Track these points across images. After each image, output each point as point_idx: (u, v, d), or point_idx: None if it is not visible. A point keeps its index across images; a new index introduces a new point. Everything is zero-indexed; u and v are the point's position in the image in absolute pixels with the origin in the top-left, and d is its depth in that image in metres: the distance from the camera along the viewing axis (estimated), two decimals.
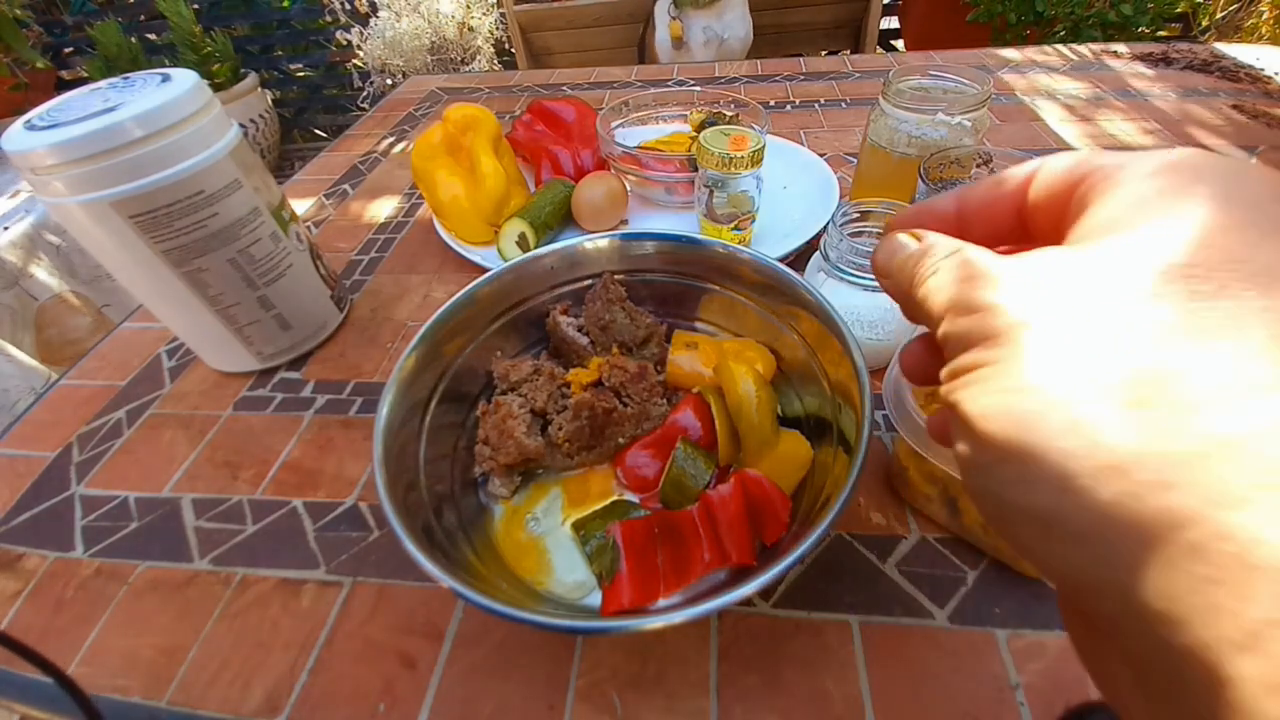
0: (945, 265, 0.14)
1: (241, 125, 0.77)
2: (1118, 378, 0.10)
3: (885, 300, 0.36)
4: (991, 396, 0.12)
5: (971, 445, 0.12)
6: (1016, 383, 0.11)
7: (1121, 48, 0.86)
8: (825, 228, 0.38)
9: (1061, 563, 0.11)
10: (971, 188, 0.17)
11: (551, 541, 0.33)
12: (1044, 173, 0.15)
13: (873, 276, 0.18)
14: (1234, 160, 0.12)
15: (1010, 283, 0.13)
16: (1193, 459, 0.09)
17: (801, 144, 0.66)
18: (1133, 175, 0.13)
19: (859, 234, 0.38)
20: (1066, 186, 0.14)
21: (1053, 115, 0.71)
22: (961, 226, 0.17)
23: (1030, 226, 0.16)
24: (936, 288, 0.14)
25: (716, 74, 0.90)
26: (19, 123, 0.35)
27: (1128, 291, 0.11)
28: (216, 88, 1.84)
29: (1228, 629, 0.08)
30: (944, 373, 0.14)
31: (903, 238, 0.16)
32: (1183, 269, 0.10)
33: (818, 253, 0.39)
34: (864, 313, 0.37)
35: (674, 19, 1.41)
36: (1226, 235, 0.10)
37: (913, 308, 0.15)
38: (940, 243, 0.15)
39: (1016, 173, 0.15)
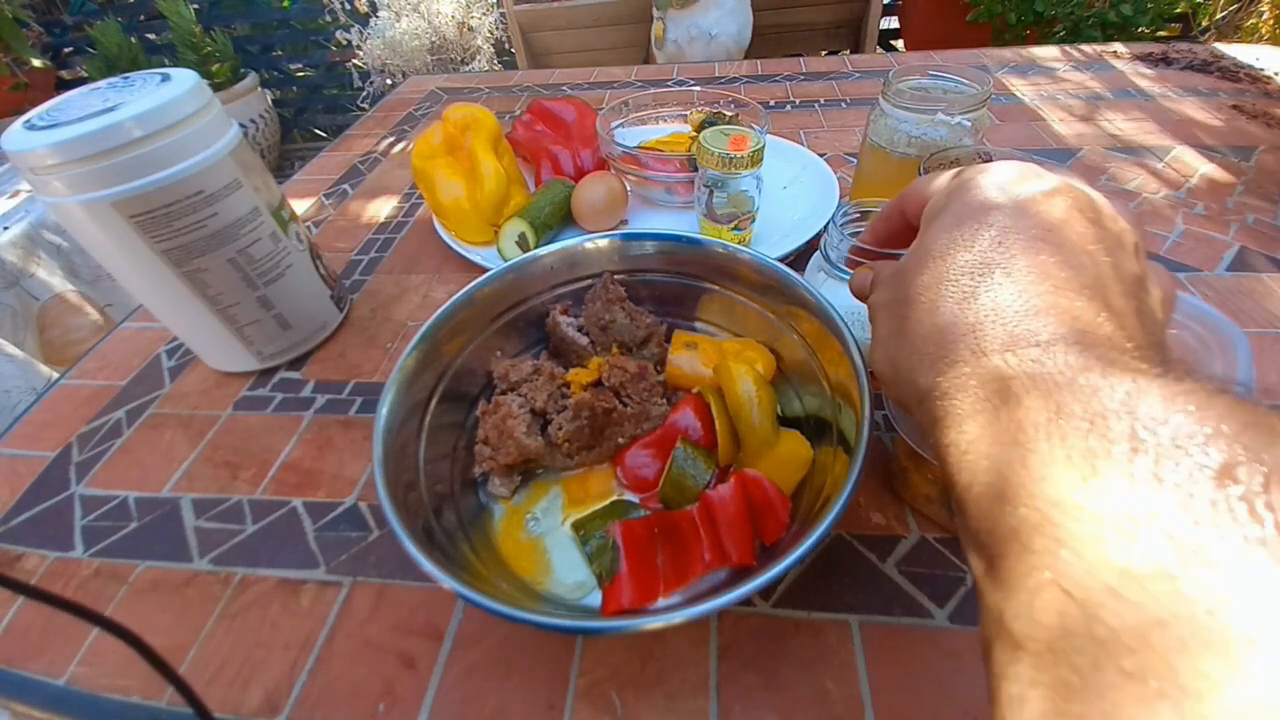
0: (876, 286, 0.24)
1: (241, 125, 0.77)
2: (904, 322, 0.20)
3: None
4: (874, 350, 0.22)
5: (875, 364, 0.22)
6: (878, 335, 0.22)
7: (1121, 48, 0.86)
8: (825, 228, 0.38)
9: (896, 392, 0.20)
10: (874, 221, 0.29)
11: (551, 541, 0.33)
12: (908, 203, 0.25)
13: None
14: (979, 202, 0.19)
15: (879, 285, 0.23)
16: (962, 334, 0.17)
17: (801, 144, 0.66)
18: (929, 216, 0.21)
19: (859, 234, 0.38)
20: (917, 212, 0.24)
21: (1053, 115, 0.71)
22: (876, 238, 0.29)
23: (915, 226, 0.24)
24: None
25: (716, 74, 0.90)
26: (19, 123, 0.35)
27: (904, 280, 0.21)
28: (216, 88, 1.84)
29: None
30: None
31: (863, 275, 0.26)
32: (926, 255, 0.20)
33: (818, 253, 0.39)
34: (864, 313, 0.37)
35: (657, 19, 1.41)
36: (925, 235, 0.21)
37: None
38: (873, 275, 0.25)
39: (910, 197, 0.25)
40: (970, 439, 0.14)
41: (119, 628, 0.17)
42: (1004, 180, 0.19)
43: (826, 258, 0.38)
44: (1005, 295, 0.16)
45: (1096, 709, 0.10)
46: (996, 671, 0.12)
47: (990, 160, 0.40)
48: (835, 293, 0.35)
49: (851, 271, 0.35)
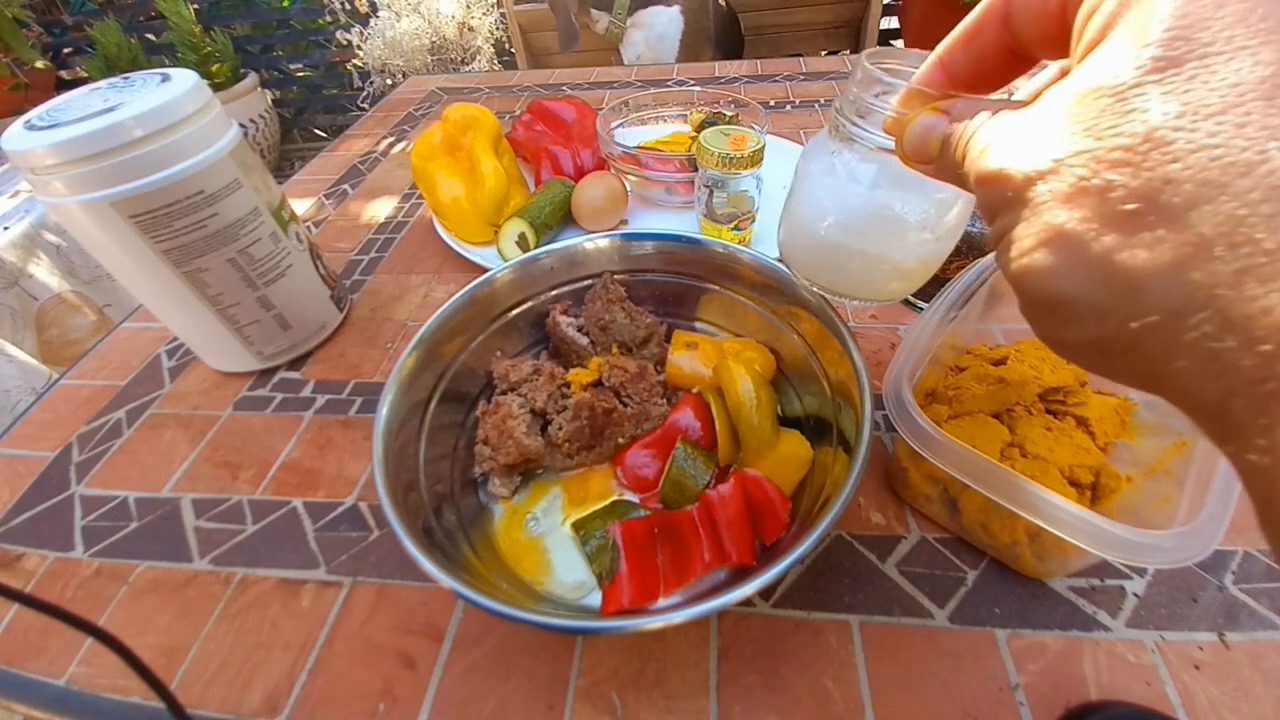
0: (970, 143, 0.15)
1: (241, 125, 0.77)
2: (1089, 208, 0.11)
3: (933, 189, 0.25)
4: (1020, 260, 0.13)
5: (1021, 299, 0.14)
6: (1034, 234, 0.12)
7: None
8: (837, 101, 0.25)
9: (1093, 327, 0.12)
10: (947, 44, 0.17)
11: (551, 541, 0.33)
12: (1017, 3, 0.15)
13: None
14: None
15: (1007, 144, 0.14)
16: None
17: (801, 144, 0.66)
18: None
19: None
20: (1043, 12, 0.14)
21: None
22: (950, 79, 0.18)
23: (1026, 48, 0.16)
24: (970, 164, 0.15)
25: (716, 74, 0.90)
26: (19, 123, 0.35)
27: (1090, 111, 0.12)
28: (216, 88, 1.84)
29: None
30: (989, 244, 0.15)
31: (930, 120, 0.17)
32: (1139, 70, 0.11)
33: (822, 131, 0.27)
34: (911, 210, 0.25)
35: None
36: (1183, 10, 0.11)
37: (964, 184, 0.16)
38: (962, 125, 0.16)
39: (988, 12, 0.16)
40: None
41: (109, 637, 0.17)
42: None
43: (846, 116, 0.24)
44: None
45: None
46: None
47: None
48: (848, 179, 0.25)
49: (889, 136, 0.21)
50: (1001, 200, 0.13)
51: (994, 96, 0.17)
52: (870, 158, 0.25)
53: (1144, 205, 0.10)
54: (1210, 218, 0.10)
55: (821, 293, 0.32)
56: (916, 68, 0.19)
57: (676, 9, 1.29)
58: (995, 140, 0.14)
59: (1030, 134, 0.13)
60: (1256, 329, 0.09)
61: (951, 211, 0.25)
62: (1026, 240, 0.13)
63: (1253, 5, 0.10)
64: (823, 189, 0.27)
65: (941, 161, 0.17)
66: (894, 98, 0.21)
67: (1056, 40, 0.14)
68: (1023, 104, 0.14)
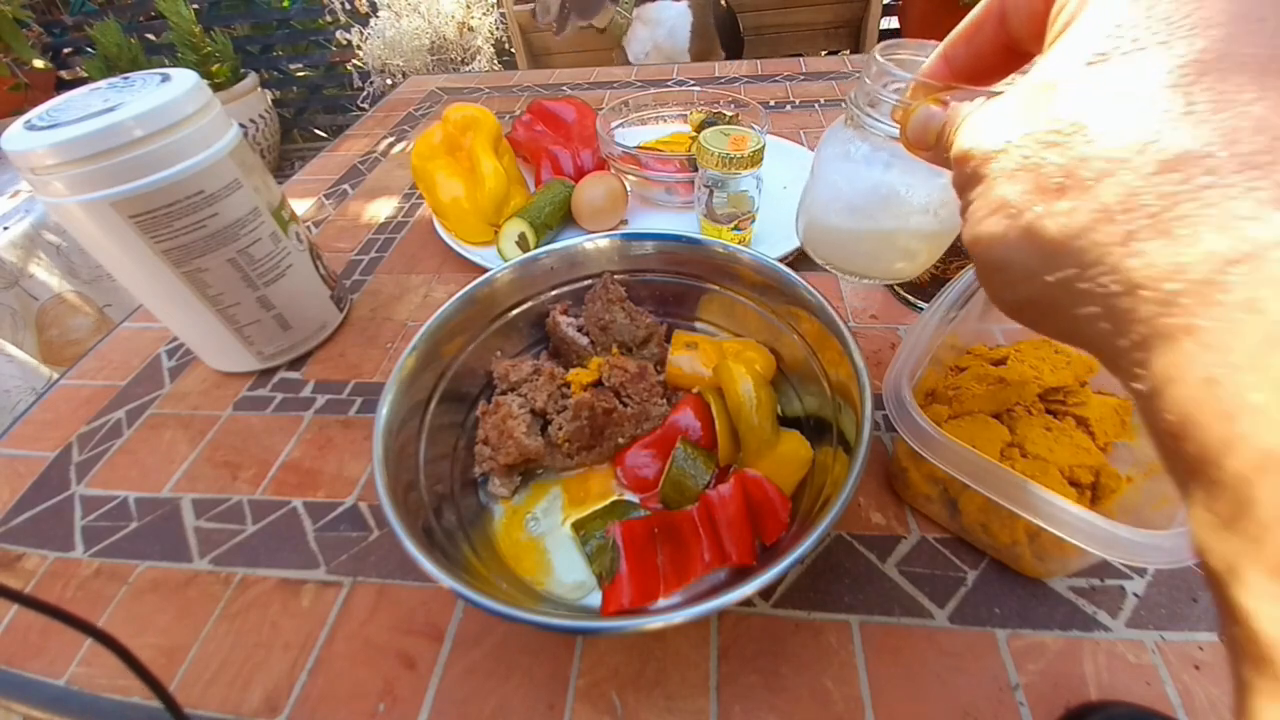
0: (954, 130, 0.17)
1: (241, 125, 0.77)
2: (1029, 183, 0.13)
3: (942, 176, 0.24)
4: (974, 229, 0.15)
5: (975, 265, 0.16)
6: (985, 205, 0.14)
7: None
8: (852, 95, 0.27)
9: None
10: (951, 40, 0.19)
11: (551, 541, 0.33)
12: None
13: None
14: None
15: (975, 128, 0.15)
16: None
17: (801, 144, 0.66)
18: None
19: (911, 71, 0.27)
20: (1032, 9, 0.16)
21: None
22: (953, 72, 0.19)
23: (1020, 44, 0.17)
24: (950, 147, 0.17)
25: (716, 74, 0.90)
26: (19, 123, 0.35)
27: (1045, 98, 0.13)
28: (216, 88, 1.84)
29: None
30: (961, 217, 0.16)
31: (930, 109, 0.18)
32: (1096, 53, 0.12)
33: (837, 121, 0.29)
34: (917, 194, 0.27)
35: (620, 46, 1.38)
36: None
37: (948, 165, 0.18)
38: (956, 111, 0.17)
39: (987, 10, 0.17)
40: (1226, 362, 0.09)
41: (109, 639, 0.17)
42: None
43: (859, 106, 0.26)
44: None
45: None
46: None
47: None
48: (861, 164, 0.27)
49: (896, 124, 0.23)
50: (966, 177, 0.15)
51: (996, 88, 0.18)
52: (880, 145, 0.26)
53: (1067, 180, 0.12)
54: (1112, 188, 0.11)
55: (836, 271, 0.33)
56: (926, 58, 0.20)
57: (684, 3, 1.29)
58: (968, 125, 0.16)
59: (992, 119, 0.15)
60: (1135, 277, 0.11)
61: (952, 193, 0.26)
62: (979, 211, 0.15)
63: (1178, 5, 0.11)
64: (837, 173, 0.29)
65: (937, 147, 0.18)
66: (902, 89, 0.22)
67: (1043, 38, 0.15)
68: (999, 94, 0.16)
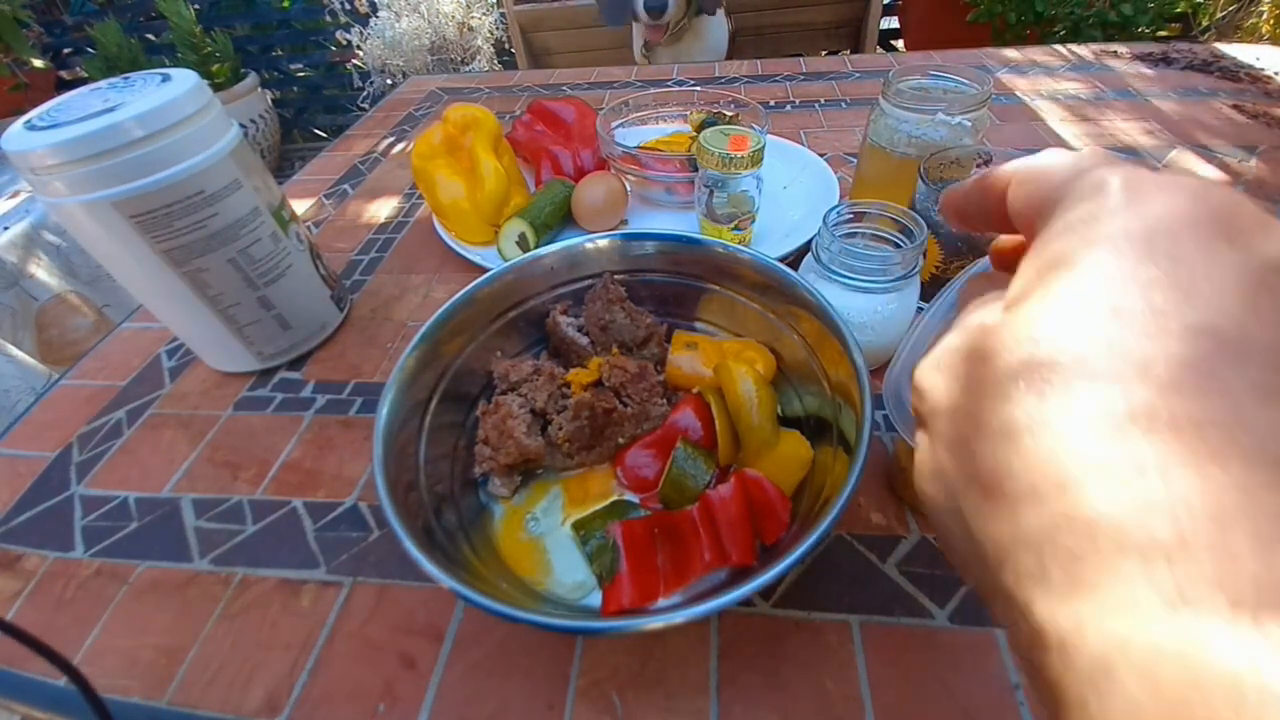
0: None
1: (241, 125, 0.77)
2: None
3: (878, 301, 0.36)
4: (919, 480, 0.15)
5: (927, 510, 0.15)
6: (928, 464, 0.15)
7: (1121, 48, 0.86)
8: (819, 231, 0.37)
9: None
10: (964, 192, 0.18)
11: (551, 541, 0.33)
12: (1017, 187, 0.15)
13: (865, 278, 0.19)
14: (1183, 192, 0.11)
15: (928, 368, 0.15)
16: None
17: (801, 144, 0.66)
18: (1073, 207, 0.13)
19: (852, 235, 0.38)
20: (1030, 208, 0.15)
21: (1053, 115, 0.71)
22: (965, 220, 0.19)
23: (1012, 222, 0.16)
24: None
25: (716, 74, 0.90)
26: (19, 123, 0.35)
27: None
28: (216, 88, 1.84)
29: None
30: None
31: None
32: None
33: (809, 255, 0.39)
34: (855, 314, 0.37)
35: (644, 56, 1.41)
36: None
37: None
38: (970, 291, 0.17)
39: (1000, 174, 0.16)
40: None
41: (64, 662, 0.17)
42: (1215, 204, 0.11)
43: (818, 259, 0.37)
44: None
45: None
46: None
47: (990, 160, 0.40)
48: (827, 293, 0.35)
49: (843, 273, 0.34)
50: (918, 411, 0.16)
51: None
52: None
53: (996, 486, 0.12)
54: (1033, 519, 0.11)
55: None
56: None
57: (720, 13, 1.37)
58: (923, 363, 0.16)
59: (945, 369, 0.14)
60: (1037, 614, 0.10)
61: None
62: (923, 465, 0.15)
63: (1139, 341, 0.10)
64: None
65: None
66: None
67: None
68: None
